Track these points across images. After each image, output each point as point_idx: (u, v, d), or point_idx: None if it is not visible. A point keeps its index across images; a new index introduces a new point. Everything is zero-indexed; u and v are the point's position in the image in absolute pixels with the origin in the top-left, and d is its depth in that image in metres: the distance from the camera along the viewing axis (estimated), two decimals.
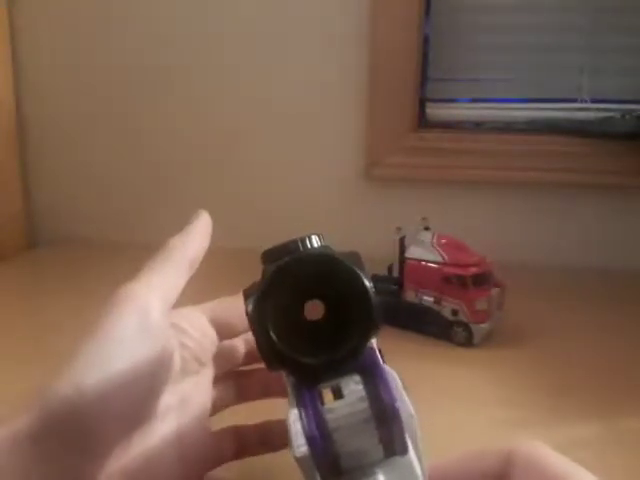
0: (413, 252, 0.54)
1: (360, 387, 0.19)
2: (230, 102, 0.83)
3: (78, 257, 0.80)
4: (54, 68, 0.87)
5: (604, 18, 0.77)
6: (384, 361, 0.21)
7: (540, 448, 0.20)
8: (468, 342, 0.51)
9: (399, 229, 0.55)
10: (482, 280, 0.51)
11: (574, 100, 0.79)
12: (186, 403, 0.28)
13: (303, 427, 0.18)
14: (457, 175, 0.79)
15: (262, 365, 0.21)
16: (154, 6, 0.82)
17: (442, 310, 0.52)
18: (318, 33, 0.79)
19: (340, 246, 0.22)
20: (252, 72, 0.81)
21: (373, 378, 0.19)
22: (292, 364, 0.19)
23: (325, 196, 0.83)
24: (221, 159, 0.85)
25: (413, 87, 0.78)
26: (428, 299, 0.53)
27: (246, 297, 0.23)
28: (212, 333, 0.30)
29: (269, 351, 0.20)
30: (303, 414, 0.18)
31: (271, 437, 0.31)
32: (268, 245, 0.24)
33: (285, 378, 0.22)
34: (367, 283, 0.19)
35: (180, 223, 0.30)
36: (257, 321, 0.20)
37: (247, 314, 0.22)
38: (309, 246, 0.23)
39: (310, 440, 0.18)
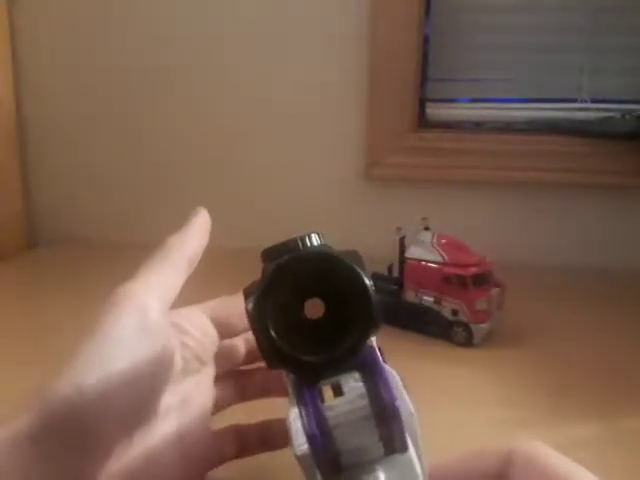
0: (413, 252, 0.54)
1: (360, 384, 0.19)
2: (230, 102, 0.83)
3: (78, 257, 0.80)
4: (54, 68, 0.87)
5: (604, 18, 0.77)
6: (384, 360, 0.21)
7: (540, 448, 0.20)
8: (468, 342, 0.51)
9: (399, 229, 0.55)
10: (482, 280, 0.51)
11: (574, 100, 0.79)
12: (187, 403, 0.28)
13: (303, 425, 0.18)
14: (457, 175, 0.79)
15: (263, 364, 0.21)
16: (154, 6, 0.82)
17: (442, 310, 0.52)
18: (318, 33, 0.79)
19: (340, 246, 0.22)
20: (252, 72, 0.81)
21: (373, 376, 0.19)
22: (292, 362, 0.19)
23: (325, 196, 0.83)
24: (221, 159, 0.85)
25: (413, 87, 0.78)
26: (428, 299, 0.53)
27: (246, 296, 0.23)
28: (213, 332, 0.30)
29: (269, 349, 0.20)
30: (303, 412, 0.18)
31: (272, 436, 0.31)
32: (268, 245, 0.24)
33: (285, 377, 0.22)
34: (367, 281, 0.20)
35: (180, 223, 0.30)
36: (257, 319, 0.20)
37: (247, 313, 0.22)
38: (309, 245, 0.23)
39: (310, 438, 0.18)
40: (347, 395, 0.19)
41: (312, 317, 0.21)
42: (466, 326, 0.51)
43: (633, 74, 0.78)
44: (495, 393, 0.44)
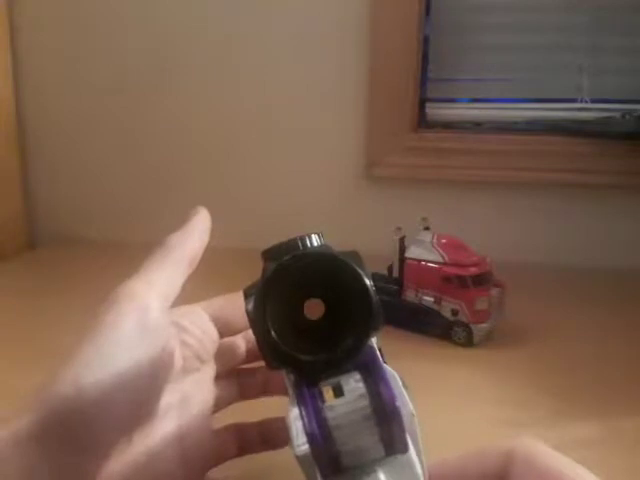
0: (413, 252, 0.54)
1: (360, 385, 0.19)
2: (230, 102, 0.83)
3: (78, 257, 0.80)
4: (54, 68, 0.87)
5: (604, 18, 0.77)
6: (384, 361, 0.21)
7: (540, 447, 0.20)
8: (468, 342, 0.51)
9: (399, 229, 0.55)
10: (482, 280, 0.51)
11: (574, 100, 0.79)
12: (187, 402, 0.28)
13: (304, 425, 0.18)
14: (457, 175, 0.79)
15: (263, 363, 0.21)
16: (154, 6, 0.82)
17: (442, 310, 0.52)
18: (318, 33, 0.79)
19: (340, 246, 0.22)
20: (252, 72, 0.81)
21: (373, 376, 0.19)
22: (292, 362, 0.19)
23: (325, 196, 0.83)
24: (221, 158, 0.85)
25: (413, 87, 0.78)
26: (428, 299, 0.53)
27: (246, 296, 0.23)
28: (213, 331, 0.30)
29: (269, 349, 0.20)
30: (304, 412, 0.18)
31: (272, 435, 0.31)
32: (268, 245, 0.24)
33: (285, 377, 0.22)
34: (367, 282, 0.19)
35: (180, 223, 0.30)
36: (257, 319, 0.20)
37: (247, 313, 0.22)
38: (309, 245, 0.23)
39: (311, 438, 0.18)
40: (347, 395, 0.19)
41: (312, 318, 0.21)
42: (466, 326, 0.51)
43: (633, 74, 0.78)
44: (495, 393, 0.44)
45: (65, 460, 0.22)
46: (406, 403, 0.19)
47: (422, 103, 0.82)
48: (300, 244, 0.23)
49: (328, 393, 0.19)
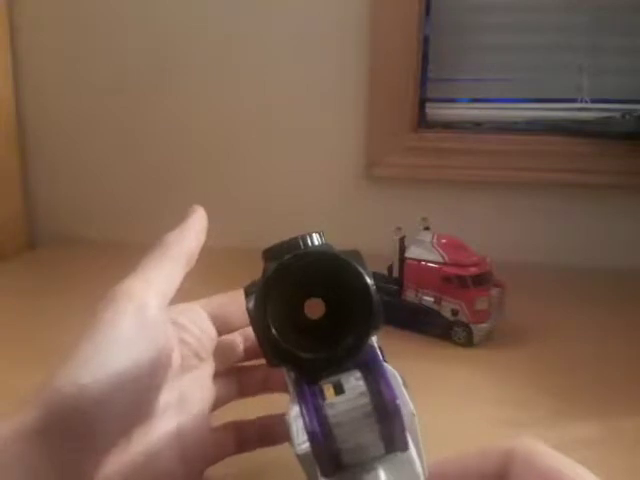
0: (413, 252, 0.54)
1: (361, 383, 0.19)
2: (230, 102, 0.83)
3: (78, 257, 0.80)
4: (54, 68, 0.87)
5: (604, 18, 0.77)
6: (385, 360, 0.21)
7: (540, 447, 0.20)
8: (468, 342, 0.51)
9: (399, 229, 0.55)
10: (482, 280, 0.51)
11: (574, 100, 0.79)
12: (185, 400, 0.28)
13: (304, 423, 0.18)
14: (457, 175, 0.79)
15: (262, 361, 0.21)
16: (154, 6, 0.82)
17: (442, 310, 0.52)
18: (318, 33, 0.79)
19: (340, 246, 0.22)
20: (252, 72, 0.81)
21: (374, 374, 0.19)
22: (293, 360, 0.19)
23: (325, 196, 0.83)
24: (221, 158, 0.85)
25: (413, 87, 0.78)
26: (428, 299, 0.53)
27: (247, 294, 0.23)
28: (211, 329, 0.30)
29: (270, 347, 0.20)
30: (304, 410, 0.18)
31: (271, 431, 0.31)
32: (268, 244, 0.24)
33: (286, 374, 0.22)
34: (368, 280, 0.20)
35: (178, 222, 0.30)
36: (258, 318, 0.20)
37: (248, 311, 0.22)
38: (310, 244, 0.23)
39: (311, 435, 0.18)
40: (348, 393, 0.19)
41: (313, 317, 0.21)
42: (466, 326, 0.51)
43: (633, 74, 0.78)
44: (495, 393, 0.44)
45: (66, 455, 0.22)
46: (406, 402, 0.19)
47: (422, 103, 0.82)
48: (301, 243, 0.23)
49: (329, 391, 0.19)
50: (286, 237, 0.23)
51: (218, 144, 0.85)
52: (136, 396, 0.25)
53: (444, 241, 0.53)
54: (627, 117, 0.77)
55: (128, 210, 0.89)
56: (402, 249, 0.55)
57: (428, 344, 0.52)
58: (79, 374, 0.23)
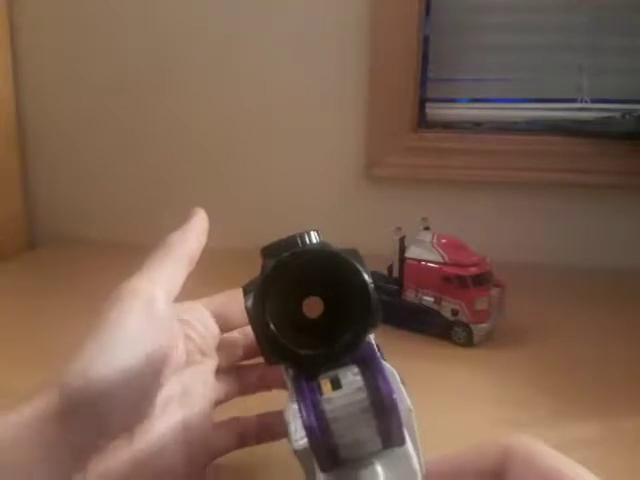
0: (413, 252, 0.54)
1: (358, 378, 0.19)
2: (230, 102, 0.83)
3: (78, 257, 0.80)
4: (54, 68, 0.87)
5: (604, 18, 0.77)
6: (383, 358, 0.21)
7: (537, 445, 0.20)
8: (468, 342, 0.51)
9: (399, 229, 0.55)
10: (482, 280, 0.51)
11: (574, 100, 0.79)
12: (189, 394, 0.29)
13: (302, 418, 0.18)
14: (457, 175, 0.79)
15: (260, 359, 0.21)
16: (154, 6, 0.82)
17: (442, 310, 0.52)
18: (318, 33, 0.79)
19: (340, 246, 0.22)
20: (252, 72, 0.81)
21: (371, 370, 0.19)
22: (291, 356, 0.20)
23: (325, 196, 0.83)
24: (221, 158, 0.85)
25: (413, 87, 0.78)
26: (428, 299, 0.53)
27: (245, 293, 0.23)
28: (214, 326, 0.31)
29: (268, 344, 0.20)
30: (302, 405, 0.18)
31: (271, 427, 0.32)
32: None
33: (284, 372, 0.22)
34: (366, 277, 0.20)
35: (180, 223, 0.31)
36: (256, 315, 0.20)
37: (246, 309, 0.22)
38: (308, 242, 0.23)
39: (309, 430, 0.18)
40: (345, 388, 0.19)
41: (311, 316, 0.21)
42: (466, 326, 0.51)
43: (633, 74, 0.78)
44: (495, 393, 0.44)
45: (80, 438, 0.24)
46: (404, 398, 0.19)
47: (422, 103, 0.82)
48: (299, 241, 0.23)
49: (326, 386, 0.19)
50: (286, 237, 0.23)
51: (218, 144, 0.85)
52: (141, 391, 0.25)
53: (444, 241, 0.53)
54: (627, 117, 0.77)
55: (128, 210, 0.89)
56: (402, 249, 0.55)
57: (428, 344, 0.52)
58: (87, 371, 0.24)
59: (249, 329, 0.21)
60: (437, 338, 0.53)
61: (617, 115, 0.77)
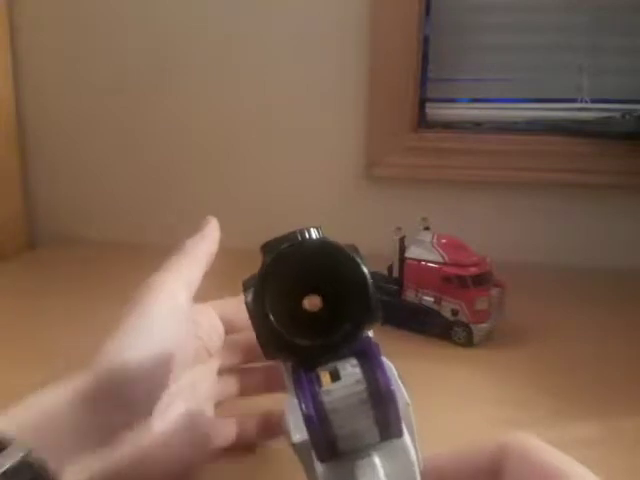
0: (413, 252, 0.54)
1: (357, 370, 0.19)
2: (230, 102, 0.83)
3: (78, 257, 0.80)
4: (54, 68, 0.87)
5: (604, 18, 0.77)
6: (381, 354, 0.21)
7: (534, 442, 0.21)
8: (468, 342, 0.51)
9: (399, 229, 0.55)
10: (482, 280, 0.51)
11: (574, 100, 0.79)
12: (195, 388, 0.31)
13: (301, 409, 0.18)
14: (457, 175, 0.79)
15: (263, 363, 0.21)
16: (154, 6, 0.82)
17: (442, 310, 0.52)
18: (318, 33, 0.79)
19: None
20: (252, 72, 0.81)
21: (370, 362, 0.19)
22: (290, 347, 0.20)
23: (325, 196, 0.83)
24: (221, 159, 0.85)
25: (413, 87, 0.78)
26: (428, 299, 0.53)
27: (245, 288, 0.23)
28: (220, 327, 0.33)
29: (267, 335, 0.20)
30: (301, 396, 0.19)
31: (271, 424, 0.33)
32: None
33: (283, 367, 0.22)
34: (365, 269, 0.20)
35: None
36: (256, 307, 0.20)
37: (246, 304, 0.22)
38: (307, 237, 0.23)
39: (307, 420, 0.18)
40: (344, 380, 0.19)
41: (311, 309, 0.21)
42: (466, 326, 0.51)
43: (633, 74, 0.78)
44: (495, 393, 0.44)
45: (113, 415, 0.26)
46: (401, 392, 0.19)
47: (422, 103, 0.82)
48: (299, 236, 0.23)
49: (325, 377, 0.19)
50: None
51: (218, 144, 0.85)
52: (162, 377, 0.28)
53: (444, 241, 0.53)
54: (627, 117, 0.77)
55: (128, 210, 0.89)
56: (402, 249, 0.55)
57: (428, 344, 0.52)
58: (121, 353, 0.26)
59: (251, 332, 0.21)
60: (437, 338, 0.53)
61: (617, 115, 0.77)
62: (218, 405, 0.33)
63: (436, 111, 0.82)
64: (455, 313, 0.51)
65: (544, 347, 0.52)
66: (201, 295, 0.32)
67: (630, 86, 0.78)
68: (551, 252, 0.78)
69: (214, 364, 0.33)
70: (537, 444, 0.20)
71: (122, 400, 0.26)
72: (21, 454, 0.21)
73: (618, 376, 0.47)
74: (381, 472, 0.19)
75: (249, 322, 0.22)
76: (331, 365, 0.20)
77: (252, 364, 0.35)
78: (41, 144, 0.90)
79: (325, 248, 0.20)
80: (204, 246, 0.33)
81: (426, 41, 0.80)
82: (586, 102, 0.79)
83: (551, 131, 0.78)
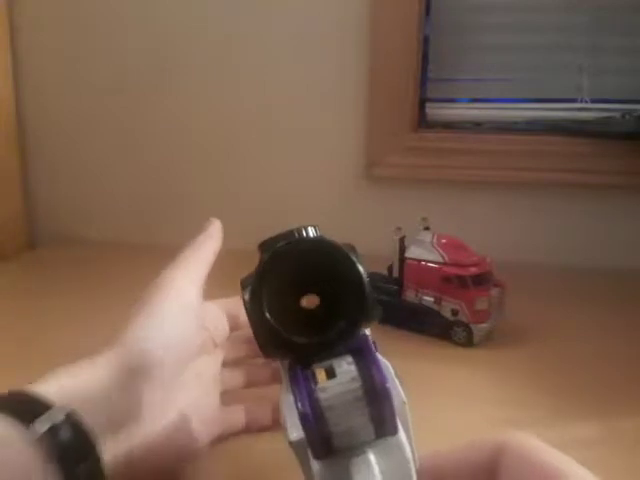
0: (413, 252, 0.54)
1: (353, 367, 0.19)
2: (230, 102, 0.83)
3: (78, 257, 0.80)
4: (54, 68, 0.87)
5: (604, 18, 0.77)
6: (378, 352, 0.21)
7: (531, 440, 0.21)
8: (468, 342, 0.51)
9: (399, 229, 0.55)
10: (482, 280, 0.51)
11: (574, 100, 0.79)
12: (201, 377, 0.33)
13: (297, 406, 0.18)
14: (457, 175, 0.79)
15: (262, 361, 0.21)
16: (154, 6, 0.82)
17: (442, 310, 0.52)
18: (318, 33, 0.79)
19: None
20: (252, 72, 0.81)
21: (365, 359, 0.19)
22: (286, 345, 0.20)
23: (325, 196, 0.83)
24: (221, 159, 0.85)
25: (413, 87, 0.78)
26: (428, 299, 0.53)
27: (243, 286, 0.23)
28: (225, 323, 0.35)
29: (265, 333, 0.20)
30: (297, 393, 0.19)
31: (276, 417, 0.35)
32: None
33: (281, 366, 0.22)
34: (360, 267, 0.20)
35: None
36: (253, 305, 0.20)
37: (244, 302, 0.22)
38: (304, 235, 0.23)
39: (303, 418, 0.18)
40: (340, 377, 0.19)
41: (307, 307, 0.21)
42: (466, 326, 0.51)
43: (633, 74, 0.78)
44: (495, 393, 0.44)
45: (137, 390, 0.27)
46: (397, 390, 0.19)
47: (422, 103, 0.82)
48: (296, 234, 0.23)
49: (321, 375, 0.19)
50: None
51: (218, 144, 0.85)
52: (176, 365, 0.30)
53: (444, 241, 0.53)
54: (627, 117, 0.77)
55: (128, 210, 0.89)
56: (402, 249, 0.55)
57: (428, 344, 0.52)
58: (143, 340, 0.28)
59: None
60: (437, 338, 0.53)
61: (617, 115, 0.77)
62: (224, 394, 0.35)
63: (436, 111, 0.82)
64: (455, 313, 0.51)
65: (544, 347, 0.52)
66: (201, 294, 0.33)
67: (630, 86, 0.78)
68: (551, 252, 0.78)
69: (219, 355, 0.35)
70: (536, 444, 0.20)
71: (143, 383, 0.27)
72: (64, 413, 0.23)
73: (618, 376, 0.47)
74: (376, 469, 0.19)
75: None
76: (327, 363, 0.20)
77: (259, 358, 0.36)
78: (41, 144, 0.90)
79: (321, 246, 0.20)
80: (210, 245, 0.35)
81: (426, 41, 0.80)
82: (586, 102, 0.79)
83: (551, 131, 0.78)
